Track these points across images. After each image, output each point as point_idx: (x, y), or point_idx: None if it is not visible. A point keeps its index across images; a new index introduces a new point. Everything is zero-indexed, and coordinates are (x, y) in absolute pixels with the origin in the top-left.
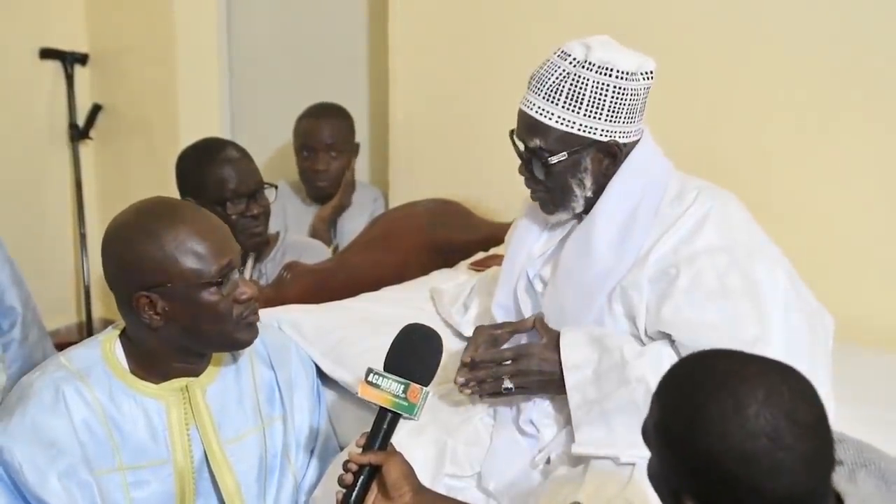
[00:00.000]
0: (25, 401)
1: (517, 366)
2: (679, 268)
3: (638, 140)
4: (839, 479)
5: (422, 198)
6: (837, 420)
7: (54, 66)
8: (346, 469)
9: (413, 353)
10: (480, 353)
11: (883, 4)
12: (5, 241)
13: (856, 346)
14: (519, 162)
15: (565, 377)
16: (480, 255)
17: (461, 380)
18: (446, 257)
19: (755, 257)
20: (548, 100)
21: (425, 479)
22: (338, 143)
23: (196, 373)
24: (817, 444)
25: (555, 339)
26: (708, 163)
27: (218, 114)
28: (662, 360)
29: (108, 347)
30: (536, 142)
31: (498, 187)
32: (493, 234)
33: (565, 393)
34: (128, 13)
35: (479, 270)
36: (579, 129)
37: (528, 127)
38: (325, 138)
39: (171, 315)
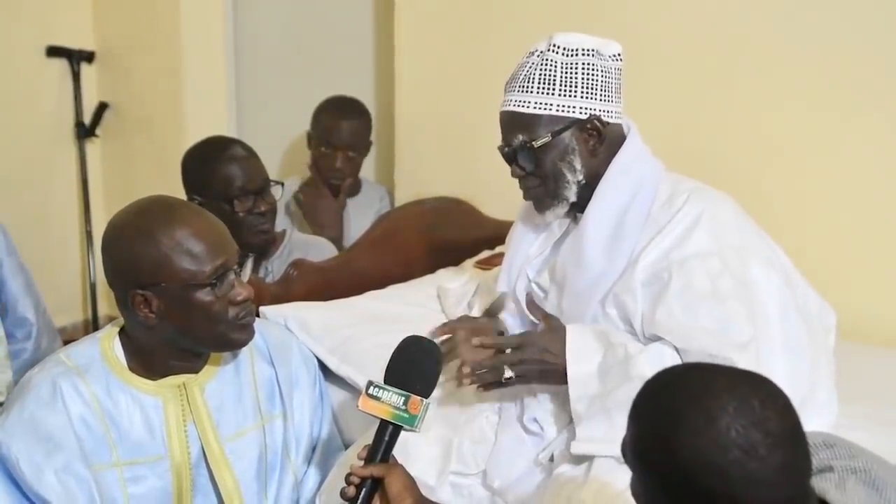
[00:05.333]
0: (24, 396)
1: (520, 355)
2: (671, 272)
3: (620, 123)
4: (828, 486)
5: (427, 196)
6: (843, 419)
7: (61, 64)
8: (348, 482)
9: (413, 365)
10: (488, 340)
11: (887, 4)
12: (13, 239)
13: (861, 345)
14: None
15: (568, 368)
16: (486, 254)
17: (467, 368)
18: (452, 255)
19: (747, 259)
20: (522, 91)
21: (431, 476)
22: (357, 143)
23: (194, 370)
24: (791, 452)
25: (560, 330)
26: (709, 163)
27: (224, 112)
28: (664, 358)
29: (106, 344)
30: (520, 136)
31: (503, 185)
32: (499, 233)
33: (566, 384)
34: (134, 11)
35: (484, 268)
36: (557, 110)
37: (509, 124)
38: (346, 137)
39: (166, 314)
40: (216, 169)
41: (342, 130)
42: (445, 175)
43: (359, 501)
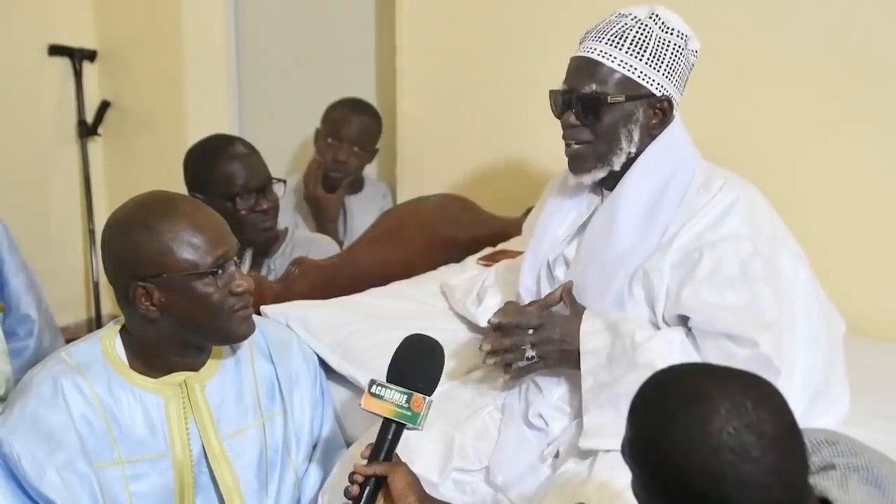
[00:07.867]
0: (25, 394)
1: (540, 334)
2: (702, 252)
3: (674, 119)
4: (830, 484)
5: (429, 193)
6: (849, 415)
7: (63, 63)
8: (351, 481)
9: (415, 364)
10: (509, 318)
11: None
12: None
13: (861, 340)
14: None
15: (581, 362)
16: (488, 250)
17: (487, 346)
18: (454, 252)
19: (778, 248)
20: (611, 44)
21: (434, 473)
22: (364, 141)
23: (195, 367)
24: (786, 454)
25: (579, 313)
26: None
27: (226, 110)
28: (673, 345)
29: (108, 342)
30: (593, 86)
31: (505, 183)
32: (501, 230)
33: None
34: (136, 9)
35: (487, 265)
36: (640, 77)
37: (585, 70)
38: (354, 131)
39: (168, 306)
40: (218, 167)
41: (351, 124)
42: (447, 172)
43: (362, 500)
